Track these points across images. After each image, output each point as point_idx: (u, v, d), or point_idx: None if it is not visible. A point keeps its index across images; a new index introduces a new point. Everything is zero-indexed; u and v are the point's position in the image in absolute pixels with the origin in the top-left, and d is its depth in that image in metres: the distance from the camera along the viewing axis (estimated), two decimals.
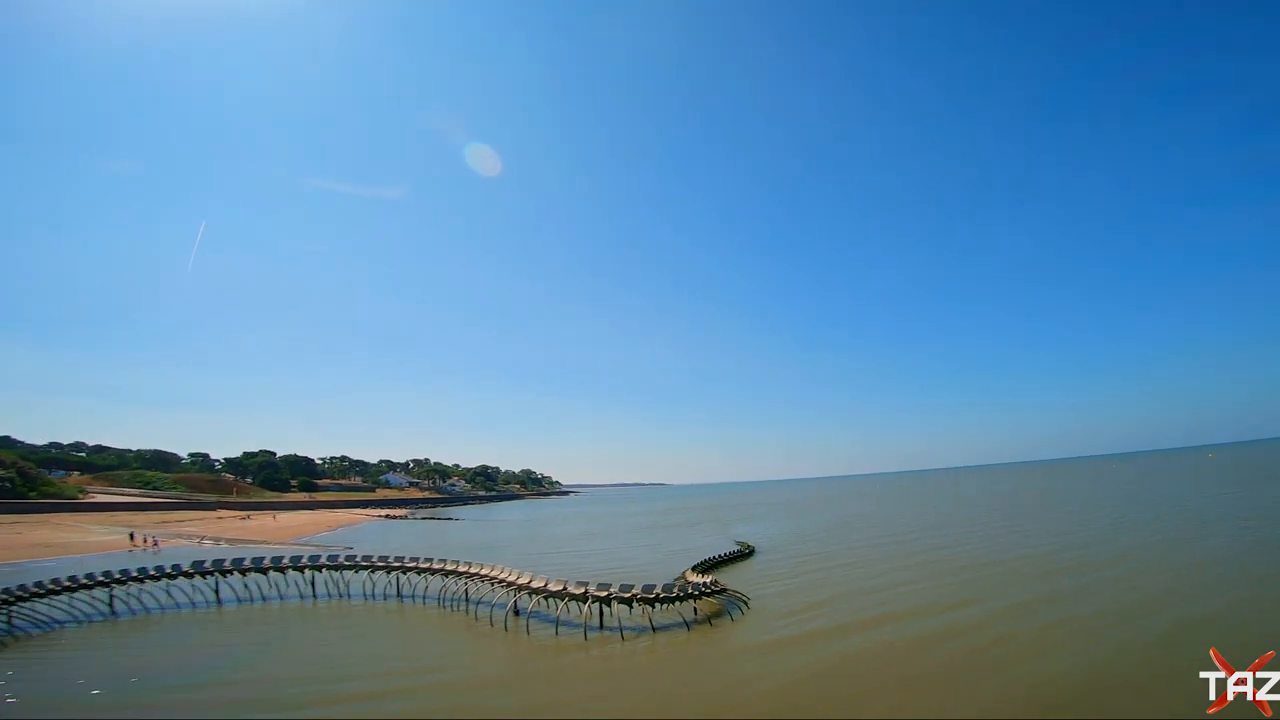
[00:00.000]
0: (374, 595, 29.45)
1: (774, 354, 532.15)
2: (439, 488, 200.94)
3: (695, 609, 24.04)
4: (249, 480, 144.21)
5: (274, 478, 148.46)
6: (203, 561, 29.42)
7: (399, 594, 29.23)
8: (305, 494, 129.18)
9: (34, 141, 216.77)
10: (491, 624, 23.11)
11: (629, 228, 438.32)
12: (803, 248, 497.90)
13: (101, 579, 26.20)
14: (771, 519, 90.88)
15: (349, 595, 29.76)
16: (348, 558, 31.33)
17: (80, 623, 24.28)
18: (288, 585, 30.08)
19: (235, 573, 29.49)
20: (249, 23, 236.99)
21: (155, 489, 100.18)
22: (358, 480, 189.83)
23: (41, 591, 24.60)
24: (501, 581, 25.98)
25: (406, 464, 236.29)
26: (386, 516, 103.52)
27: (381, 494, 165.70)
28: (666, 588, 23.23)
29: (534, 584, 24.31)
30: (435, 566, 29.90)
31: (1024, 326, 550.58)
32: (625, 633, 21.35)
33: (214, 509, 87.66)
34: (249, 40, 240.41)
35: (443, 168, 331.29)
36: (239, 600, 28.69)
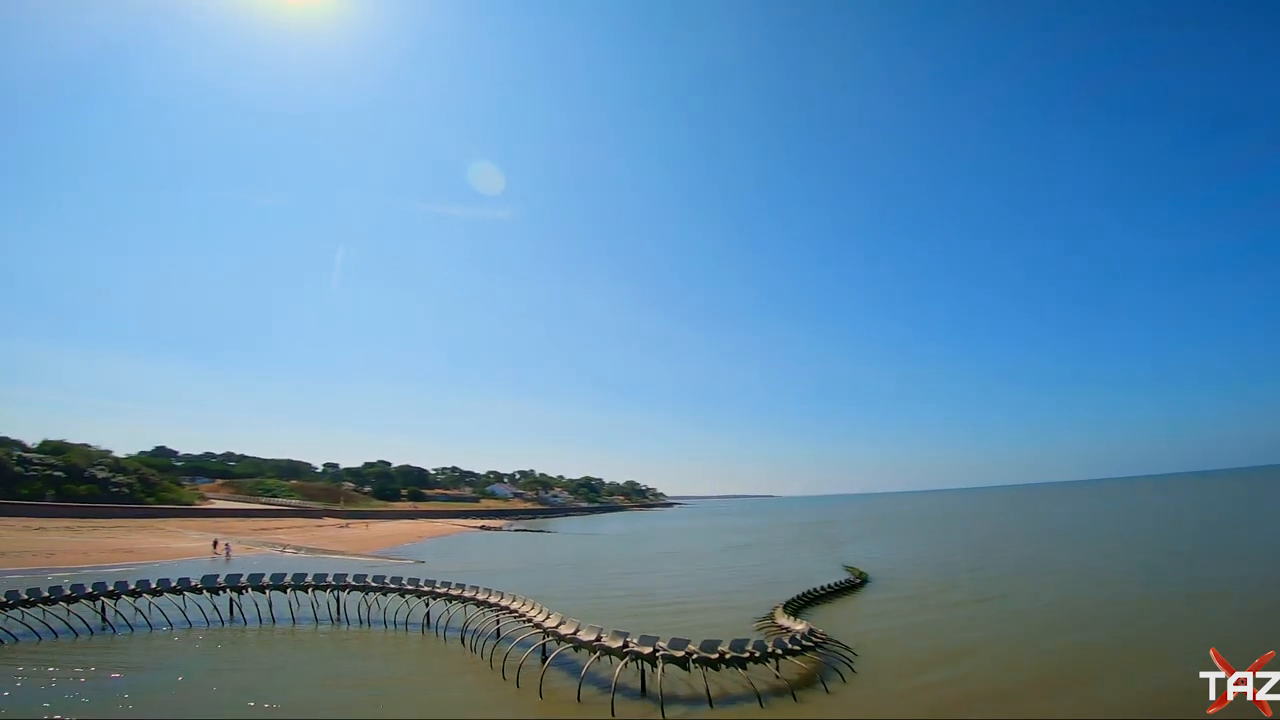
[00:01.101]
0: (396, 622, 25.17)
1: (875, 364, 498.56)
2: (542, 499, 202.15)
3: (778, 669, 17.42)
4: (366, 489, 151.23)
5: (387, 487, 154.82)
6: (215, 576, 26.56)
7: (426, 622, 24.76)
8: (411, 504, 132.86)
9: (211, 180, 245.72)
10: (504, 672, 17.77)
11: (728, 242, 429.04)
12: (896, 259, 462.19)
13: (91, 591, 23.79)
14: (885, 536, 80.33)
15: (369, 621, 25.73)
16: (375, 579, 27.45)
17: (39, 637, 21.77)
18: (313, 605, 26.42)
19: (251, 589, 26.31)
20: (372, 69, 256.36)
21: (273, 496, 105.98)
22: (467, 490, 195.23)
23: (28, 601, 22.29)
24: (528, 620, 20.61)
25: (513, 475, 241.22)
26: (482, 528, 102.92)
27: (485, 504, 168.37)
28: (737, 645, 16.79)
29: (563, 629, 18.74)
30: (466, 595, 25.18)
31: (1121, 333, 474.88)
32: (669, 704, 15.21)
33: (319, 517, 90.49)
34: (373, 82, 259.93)
35: (547, 188, 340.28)
36: (243, 620, 25.52)
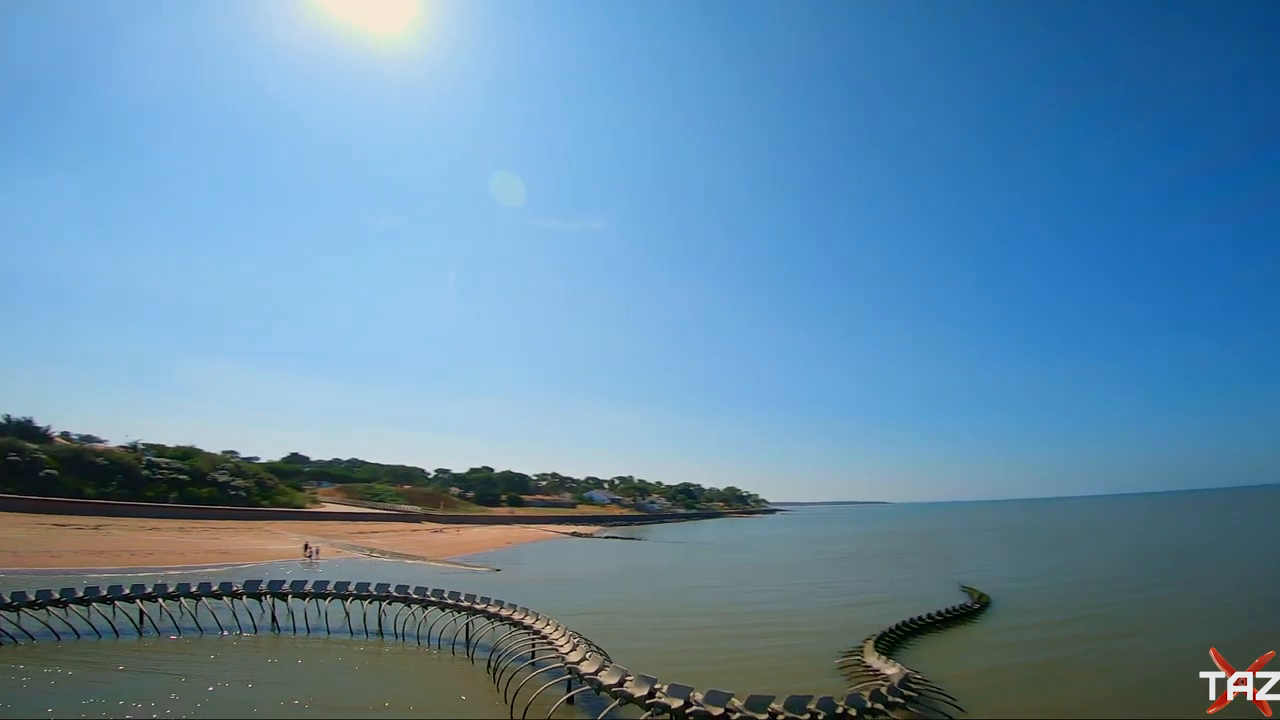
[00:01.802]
0: (430, 637, 23.11)
1: (1002, 366, 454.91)
2: (639, 505, 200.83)
3: None
4: (470, 495, 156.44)
5: (488, 493, 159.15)
6: (257, 583, 25.83)
7: (466, 639, 22.51)
8: (508, 509, 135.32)
9: (332, 203, 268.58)
10: (513, 708, 14.84)
11: (831, 240, 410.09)
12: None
13: (128, 593, 23.50)
14: (1009, 549, 70.76)
15: (402, 634, 23.87)
16: (417, 590, 25.57)
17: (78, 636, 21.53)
18: (347, 616, 24.92)
19: (292, 597, 25.25)
20: (463, 94, 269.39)
21: (380, 500, 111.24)
22: (566, 496, 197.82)
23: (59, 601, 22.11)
24: (555, 651, 17.63)
25: (611, 481, 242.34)
26: (573, 534, 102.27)
27: (582, 510, 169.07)
28: (794, 703, 12.86)
29: (584, 665, 15.54)
30: (502, 613, 22.66)
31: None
32: None
33: (418, 521, 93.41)
34: (466, 107, 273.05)
35: (638, 197, 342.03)
36: (276, 628, 24.42)
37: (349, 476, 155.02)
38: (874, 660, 18.86)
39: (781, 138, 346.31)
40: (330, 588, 26.05)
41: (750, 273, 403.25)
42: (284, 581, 26.28)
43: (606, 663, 15.67)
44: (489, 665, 19.24)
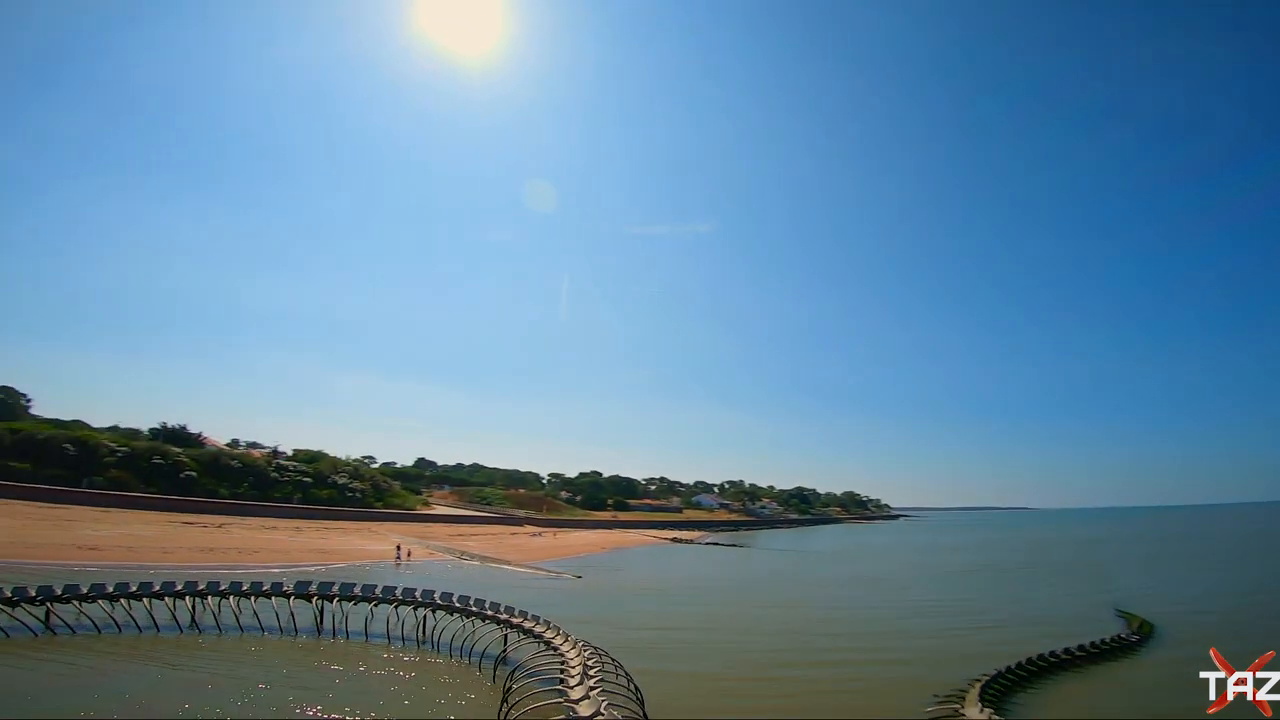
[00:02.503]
0: (474, 652, 21.26)
1: (1169, 358, 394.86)
2: (748, 510, 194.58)
3: None
4: (578, 498, 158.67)
5: (595, 496, 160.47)
6: (307, 584, 25.63)
7: (504, 658, 20.51)
8: (612, 513, 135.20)
9: (442, 220, 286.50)
10: None
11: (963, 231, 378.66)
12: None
13: (180, 589, 23.68)
14: (1179, 564, 58.98)
15: (438, 644, 22.36)
16: (461, 599, 23.99)
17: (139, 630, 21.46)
18: (388, 621, 23.79)
19: (340, 599, 24.59)
20: (570, 107, 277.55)
21: (487, 503, 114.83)
22: (674, 501, 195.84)
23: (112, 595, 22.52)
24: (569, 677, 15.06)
25: (721, 486, 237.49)
26: (674, 540, 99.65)
27: (689, 515, 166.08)
28: None
29: (583, 707, 12.72)
30: (538, 630, 20.50)
31: None
32: None
33: (520, 524, 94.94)
34: (574, 120, 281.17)
35: (745, 198, 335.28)
36: (318, 631, 23.63)
37: (467, 481, 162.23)
38: (975, 714, 14.51)
39: (883, 134, 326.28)
40: (378, 591, 25.27)
41: (861, 271, 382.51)
42: (333, 584, 25.81)
43: (608, 704, 12.81)
44: (505, 686, 17.07)
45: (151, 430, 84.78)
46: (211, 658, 20.30)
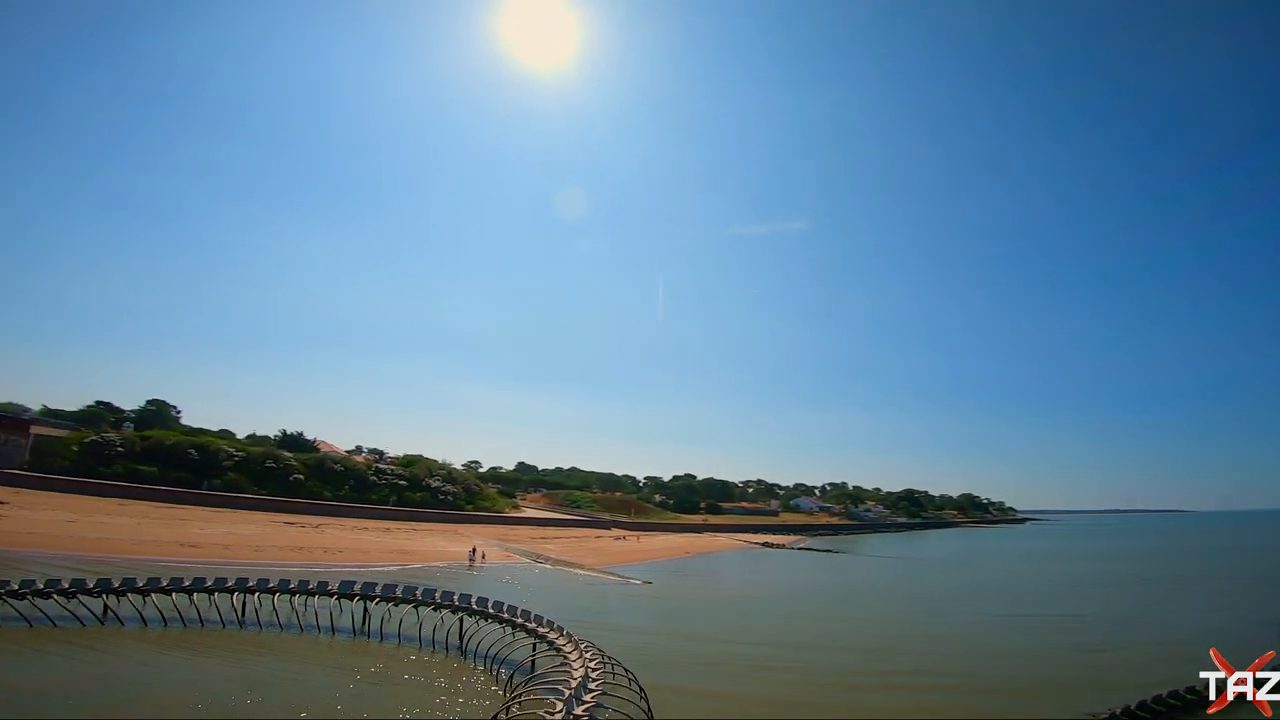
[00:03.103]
0: (495, 659, 20.14)
1: None
2: (851, 513, 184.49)
3: None
4: (670, 502, 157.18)
5: (688, 500, 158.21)
6: (352, 583, 25.69)
7: (523, 665, 19.38)
8: (703, 516, 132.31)
9: (545, 234, 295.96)
10: None
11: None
12: None
13: (231, 585, 24.40)
14: None
15: (464, 650, 21.34)
16: (495, 605, 22.95)
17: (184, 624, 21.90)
18: (418, 625, 23.12)
19: (380, 600, 24.42)
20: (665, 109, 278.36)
21: (576, 506, 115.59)
22: (772, 504, 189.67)
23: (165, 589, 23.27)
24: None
25: (822, 488, 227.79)
26: (764, 544, 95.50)
27: (785, 518, 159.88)
28: None
29: None
30: (551, 637, 18.98)
31: None
32: None
33: (607, 527, 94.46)
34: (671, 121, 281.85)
35: (840, 195, 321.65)
36: (356, 632, 23.44)
37: (562, 484, 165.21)
38: None
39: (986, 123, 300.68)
40: (419, 593, 24.85)
41: (985, 256, 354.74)
42: (376, 585, 25.65)
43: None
44: (507, 694, 15.80)
45: (274, 436, 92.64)
46: (240, 652, 20.57)
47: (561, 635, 19.68)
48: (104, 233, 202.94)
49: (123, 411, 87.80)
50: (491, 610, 22.98)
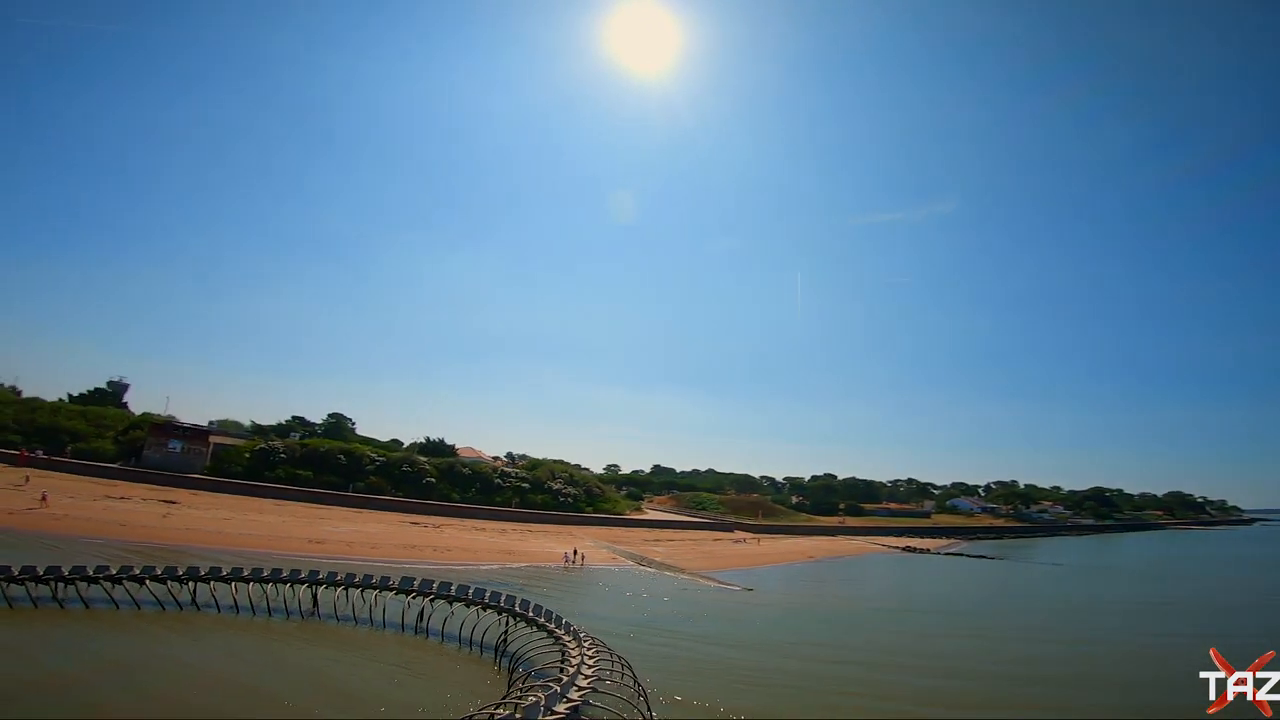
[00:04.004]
0: (511, 656, 19.07)
1: None
2: (1020, 514, 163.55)
3: None
4: (807, 503, 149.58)
5: (825, 501, 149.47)
6: (412, 580, 25.76)
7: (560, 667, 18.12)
8: (839, 519, 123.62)
9: (677, 237, 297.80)
10: None
11: None
12: None
13: (304, 577, 25.51)
14: None
15: (497, 650, 20.30)
16: (536, 610, 21.83)
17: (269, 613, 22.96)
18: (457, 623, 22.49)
19: (436, 597, 24.40)
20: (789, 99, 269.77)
21: (701, 508, 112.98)
22: (925, 504, 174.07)
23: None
24: None
25: (986, 487, 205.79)
26: (906, 548, 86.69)
27: (938, 520, 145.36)
28: None
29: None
30: (559, 635, 17.46)
31: None
32: None
33: (730, 530, 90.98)
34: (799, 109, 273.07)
35: (989, 172, 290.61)
36: (403, 628, 23.20)
37: (694, 485, 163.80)
38: None
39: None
40: (471, 592, 24.47)
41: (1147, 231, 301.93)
42: (433, 583, 25.62)
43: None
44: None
45: (416, 443, 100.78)
46: (304, 640, 21.51)
47: (568, 634, 18.65)
48: (294, 265, 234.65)
49: (312, 424, 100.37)
50: (517, 609, 22.15)
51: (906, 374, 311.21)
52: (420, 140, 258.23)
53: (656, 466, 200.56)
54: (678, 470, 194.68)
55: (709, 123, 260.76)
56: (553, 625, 20.22)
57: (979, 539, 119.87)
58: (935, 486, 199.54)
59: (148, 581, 23.72)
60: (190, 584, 24.27)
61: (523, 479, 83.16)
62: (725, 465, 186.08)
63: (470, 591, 24.58)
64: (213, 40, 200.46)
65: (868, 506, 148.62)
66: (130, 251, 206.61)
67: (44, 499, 39.21)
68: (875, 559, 73.60)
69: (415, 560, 43.00)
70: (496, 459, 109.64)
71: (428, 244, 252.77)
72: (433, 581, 25.80)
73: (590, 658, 16.65)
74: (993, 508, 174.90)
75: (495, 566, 45.37)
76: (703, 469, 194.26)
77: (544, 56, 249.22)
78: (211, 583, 24.59)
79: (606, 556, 53.86)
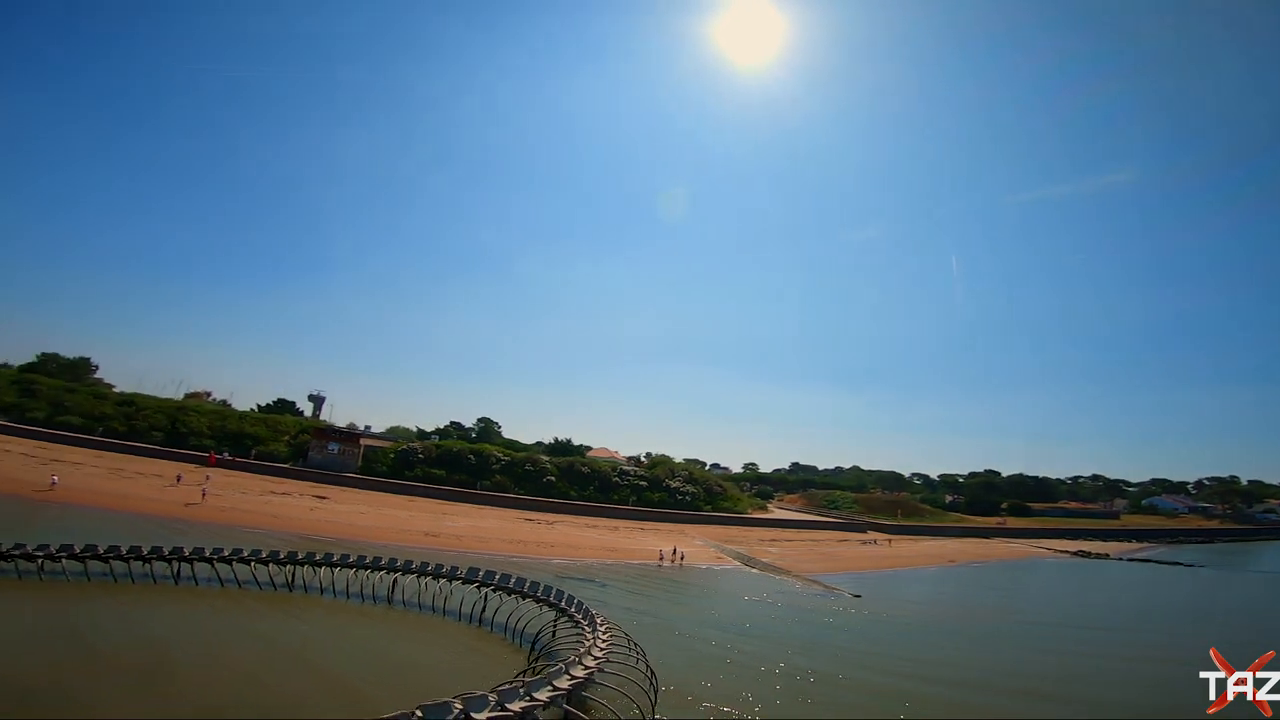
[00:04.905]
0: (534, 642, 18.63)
1: None
2: (1241, 515, 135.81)
3: None
4: (962, 500, 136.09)
5: (984, 500, 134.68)
6: (477, 570, 26.64)
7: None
8: (997, 519, 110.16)
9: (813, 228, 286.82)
10: None
11: None
12: None
13: (385, 564, 27.21)
14: None
15: (533, 641, 19.74)
16: (555, 595, 21.35)
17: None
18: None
19: (495, 589, 24.71)
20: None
21: (834, 507, 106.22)
22: (1117, 503, 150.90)
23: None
24: None
25: (1196, 483, 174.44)
26: (1076, 553, 75.06)
27: (1129, 521, 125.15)
28: None
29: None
30: (585, 626, 16.70)
31: None
32: None
33: (862, 530, 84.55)
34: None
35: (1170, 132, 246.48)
36: (465, 622, 23.38)
37: (834, 484, 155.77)
38: None
39: None
40: (527, 586, 24.57)
41: None
42: (495, 574, 26.07)
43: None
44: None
45: (546, 443, 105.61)
46: (381, 621, 22.70)
47: (589, 626, 18.23)
48: (456, 280, 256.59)
49: (465, 428, 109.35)
50: (551, 600, 21.89)
51: (1095, 358, 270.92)
52: (564, 156, 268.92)
53: (795, 464, 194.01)
54: (819, 468, 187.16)
55: (825, 113, 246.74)
56: (580, 617, 19.70)
57: (1181, 542, 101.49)
58: (1128, 484, 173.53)
59: (252, 564, 26.40)
60: (288, 567, 26.72)
61: (641, 477, 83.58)
62: (872, 462, 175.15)
63: (527, 585, 24.66)
64: (370, 83, 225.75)
65: (1037, 506, 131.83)
66: (320, 278, 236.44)
67: (204, 495, 45.70)
68: (1036, 564, 64.72)
69: (516, 554, 44.38)
70: (631, 459, 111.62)
71: (576, 253, 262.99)
72: (494, 573, 26.22)
73: (600, 649, 16.81)
74: (1204, 507, 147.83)
75: (594, 562, 45.64)
76: (846, 466, 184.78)
77: (657, 62, 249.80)
78: (306, 566, 26.87)
79: (711, 556, 52.19)
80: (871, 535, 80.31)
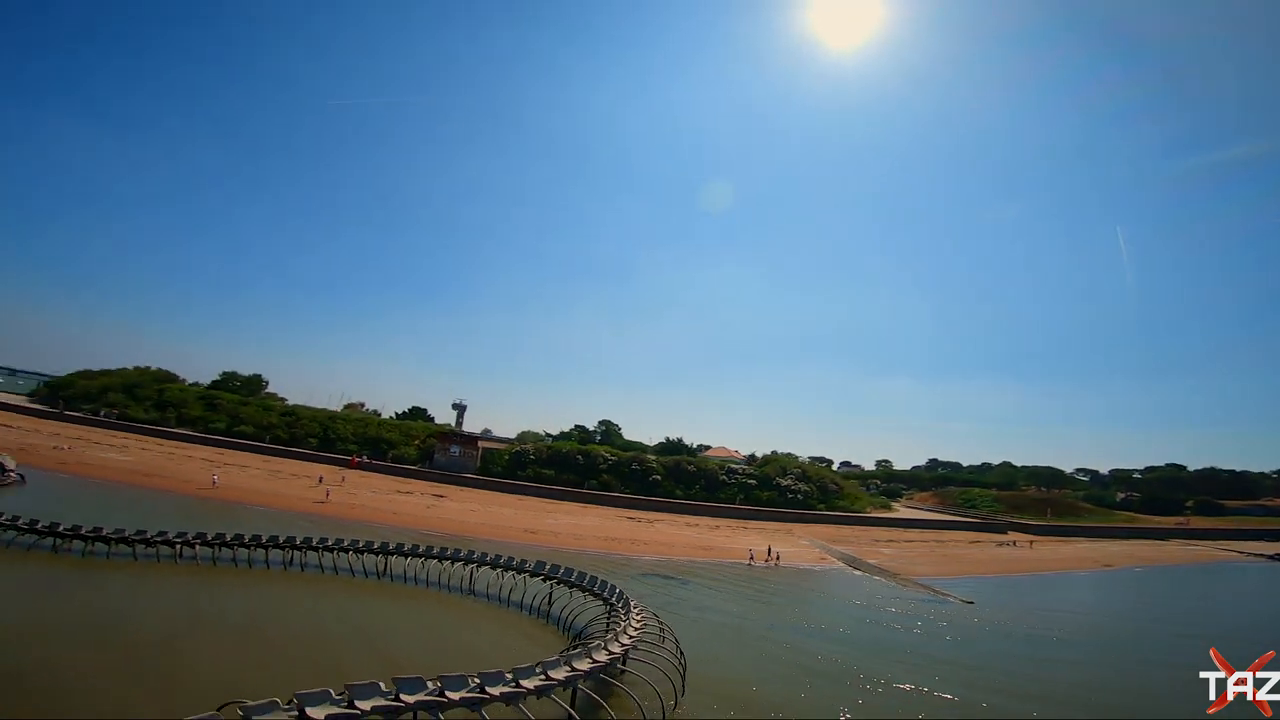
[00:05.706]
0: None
1: None
2: None
3: None
4: (1136, 498, 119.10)
5: (1164, 497, 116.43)
6: (544, 564, 27.18)
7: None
8: (1180, 518, 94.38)
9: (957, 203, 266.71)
10: None
11: None
12: None
13: (453, 554, 28.76)
14: None
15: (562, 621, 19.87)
16: (626, 601, 21.19)
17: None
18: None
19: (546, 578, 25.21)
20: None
21: (971, 507, 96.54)
22: None
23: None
24: None
25: None
26: (1273, 556, 62.45)
27: None
28: None
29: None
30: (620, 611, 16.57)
31: None
32: None
33: (1002, 531, 76.09)
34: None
35: None
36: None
37: (977, 480, 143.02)
38: None
39: None
40: (583, 581, 24.86)
41: None
42: (545, 564, 26.72)
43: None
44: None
45: (659, 443, 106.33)
46: (432, 605, 23.79)
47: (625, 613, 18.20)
48: (579, 289, 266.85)
49: (588, 430, 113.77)
50: (596, 591, 21.71)
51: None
52: (671, 160, 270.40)
53: (933, 461, 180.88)
54: (963, 465, 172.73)
55: (939, 91, 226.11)
56: (620, 609, 19.52)
57: None
58: None
59: (350, 553, 28.92)
60: (380, 557, 29.02)
61: (749, 476, 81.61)
62: (1027, 458, 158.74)
63: (586, 579, 24.91)
64: (488, 107, 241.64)
65: (1232, 504, 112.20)
66: (465, 294, 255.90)
67: (327, 495, 50.82)
68: (1221, 568, 55.14)
69: (607, 551, 44.86)
70: (747, 458, 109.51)
71: (672, 261, 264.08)
72: (544, 564, 26.97)
73: (628, 638, 17.37)
74: None
75: (684, 560, 45.10)
76: (994, 462, 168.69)
77: (750, 53, 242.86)
78: (395, 556, 29.04)
79: (815, 556, 49.61)
80: (1011, 536, 72.34)
